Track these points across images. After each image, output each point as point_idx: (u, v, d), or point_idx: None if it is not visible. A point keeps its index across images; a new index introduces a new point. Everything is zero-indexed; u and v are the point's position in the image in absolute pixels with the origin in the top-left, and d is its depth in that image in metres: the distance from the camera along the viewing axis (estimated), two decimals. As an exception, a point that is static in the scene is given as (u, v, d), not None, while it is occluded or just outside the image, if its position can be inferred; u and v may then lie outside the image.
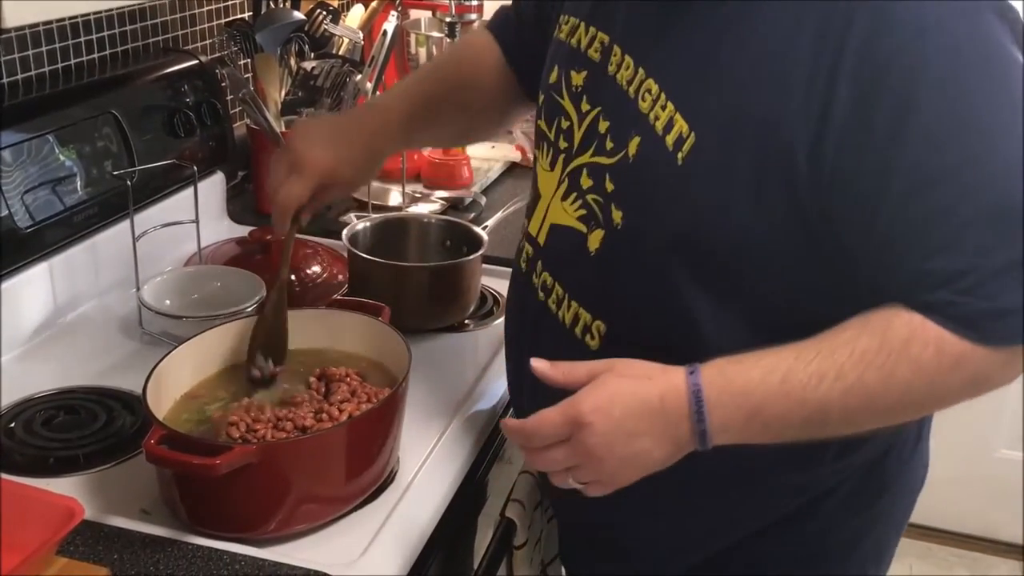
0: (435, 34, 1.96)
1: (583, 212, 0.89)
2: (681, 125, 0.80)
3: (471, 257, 1.28)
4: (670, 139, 0.81)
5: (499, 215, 1.48)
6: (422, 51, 1.98)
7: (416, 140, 1.07)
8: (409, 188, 1.65)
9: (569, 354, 0.88)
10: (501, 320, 1.34)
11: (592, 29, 0.91)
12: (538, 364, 0.78)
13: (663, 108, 0.81)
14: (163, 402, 0.94)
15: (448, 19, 1.78)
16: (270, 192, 1.00)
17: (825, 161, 0.75)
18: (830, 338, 0.75)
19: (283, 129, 1.56)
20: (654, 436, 0.75)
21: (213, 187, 1.52)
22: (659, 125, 0.81)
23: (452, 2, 1.77)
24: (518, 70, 1.12)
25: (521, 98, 1.13)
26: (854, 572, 1.01)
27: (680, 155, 0.80)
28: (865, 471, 0.95)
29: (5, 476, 0.94)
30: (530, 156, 1.91)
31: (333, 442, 0.89)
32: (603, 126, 0.87)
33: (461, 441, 1.07)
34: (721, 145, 0.78)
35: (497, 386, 1.18)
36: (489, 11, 1.88)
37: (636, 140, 0.83)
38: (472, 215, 1.63)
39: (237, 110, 1.66)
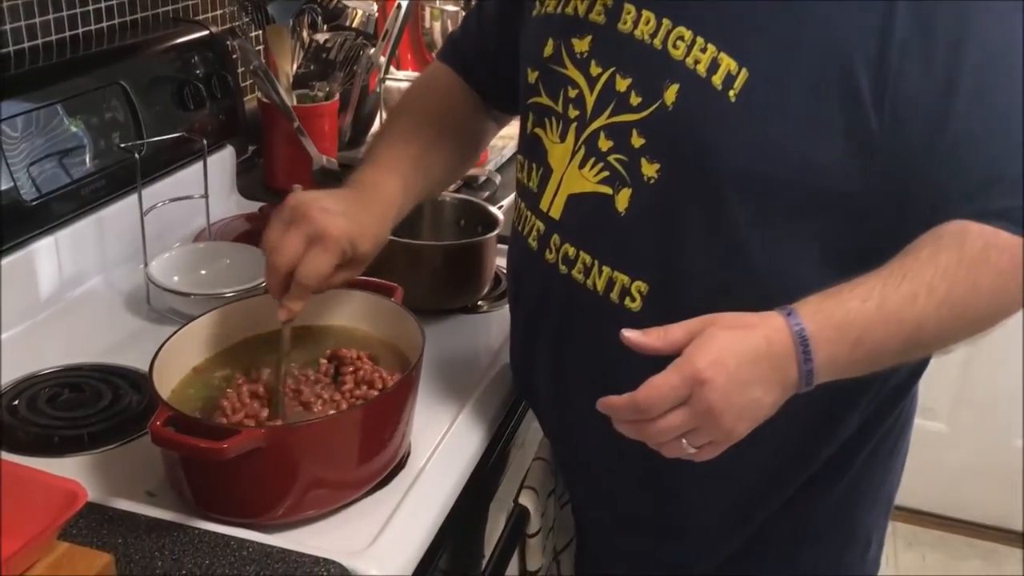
0: (450, 7, 1.92)
1: (606, 174, 0.88)
2: (728, 63, 0.80)
3: (487, 236, 1.25)
4: (717, 79, 0.81)
5: (514, 195, 1.45)
6: (436, 25, 1.94)
7: (414, 202, 1.03)
8: (422, 165, 1.62)
9: (606, 322, 0.88)
10: (515, 301, 1.31)
11: None
12: (630, 334, 0.75)
13: (702, 51, 0.82)
14: (170, 379, 0.91)
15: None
16: (283, 267, 0.87)
17: (888, 76, 0.77)
18: (910, 259, 0.77)
19: (294, 103, 1.53)
20: (765, 383, 0.74)
21: (223, 161, 1.49)
22: (701, 68, 0.82)
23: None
24: (483, 90, 1.11)
25: (492, 117, 1.14)
26: (873, 524, 1.04)
27: (732, 92, 0.80)
28: (887, 414, 0.97)
29: (7, 456, 0.92)
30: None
31: (345, 426, 0.86)
32: (622, 84, 0.87)
33: (474, 425, 1.04)
34: (776, 75, 0.79)
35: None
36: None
37: (675, 87, 0.83)
38: (487, 193, 1.60)
39: (248, 83, 1.63)
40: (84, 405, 1.00)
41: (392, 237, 1.21)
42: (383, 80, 1.65)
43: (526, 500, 1.03)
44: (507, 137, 1.80)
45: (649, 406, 0.73)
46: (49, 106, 1.16)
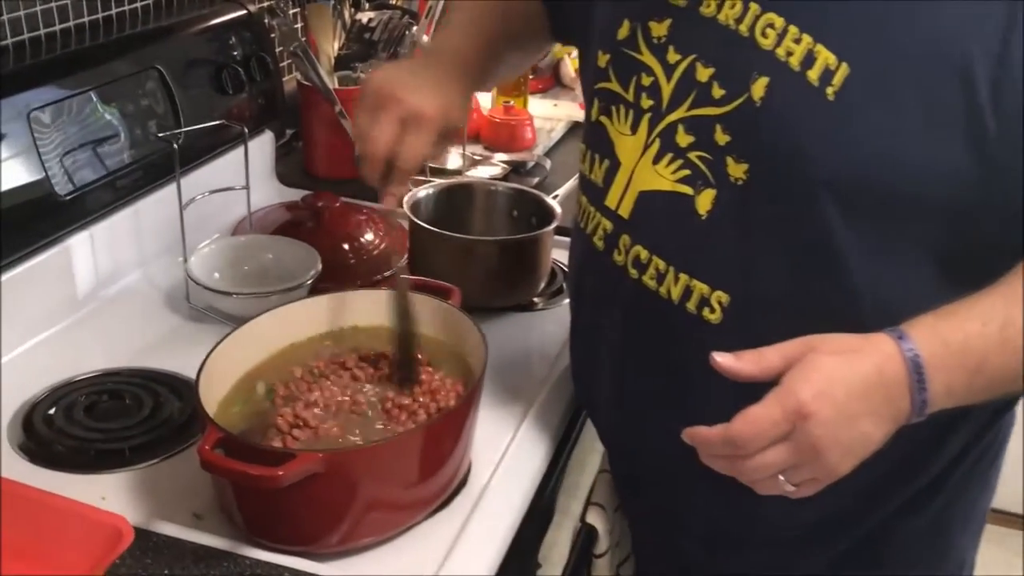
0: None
1: (686, 172, 0.80)
2: (827, 56, 0.72)
3: (544, 230, 1.18)
4: (813, 74, 0.73)
5: (570, 183, 1.37)
6: (480, 1, 1.85)
7: (486, 81, 1.00)
8: (468, 150, 1.54)
9: (680, 332, 0.81)
10: (571, 299, 1.24)
11: None
12: (721, 358, 0.68)
13: (796, 41, 0.73)
14: (216, 393, 0.85)
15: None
16: (380, 155, 0.86)
17: (1009, 75, 0.68)
18: None
19: (336, 85, 1.45)
20: (876, 415, 0.67)
21: (261, 147, 1.42)
22: (794, 61, 0.73)
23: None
24: (551, 8, 1.03)
25: (547, 36, 1.07)
26: (967, 545, 0.97)
27: (830, 89, 0.72)
28: (988, 430, 0.90)
29: (47, 471, 0.87)
30: (594, 116, 1.79)
31: (409, 447, 0.79)
32: (704, 73, 0.79)
33: (538, 435, 0.97)
34: (882, 72, 0.71)
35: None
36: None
37: (763, 81, 0.75)
38: (536, 180, 1.52)
39: (286, 63, 1.56)
40: (124, 415, 0.95)
41: (443, 231, 1.15)
42: (427, 60, 1.57)
43: (594, 518, 0.96)
44: (555, 119, 1.73)
45: (746, 441, 0.66)
46: (82, 93, 1.10)
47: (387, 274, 1.19)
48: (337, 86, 1.45)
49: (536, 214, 1.23)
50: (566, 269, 1.29)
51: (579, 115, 1.76)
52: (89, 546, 0.62)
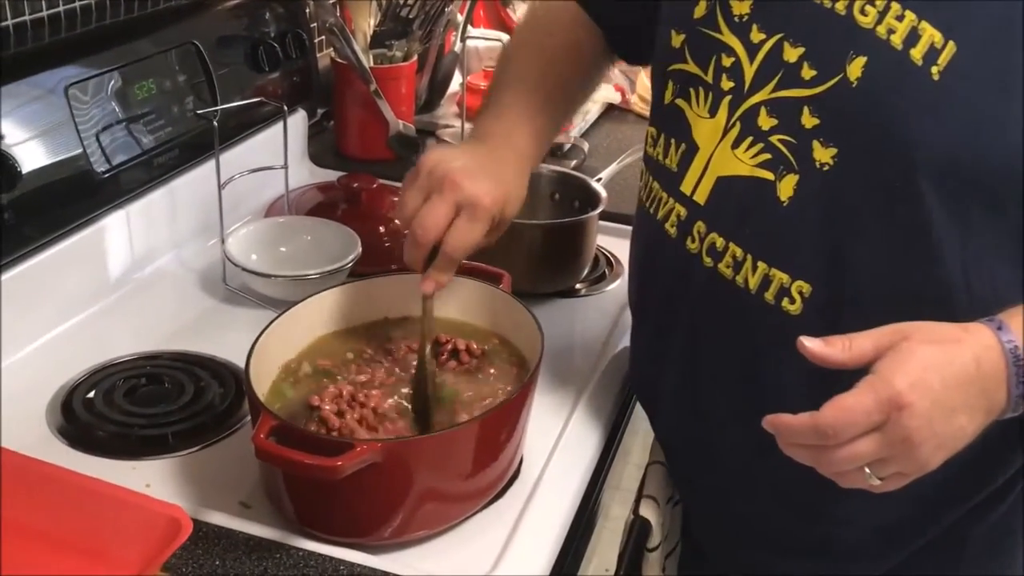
0: (529, -38, 1.79)
1: (767, 157, 0.77)
2: (932, 34, 0.69)
3: (590, 215, 1.14)
4: (916, 52, 0.69)
5: (613, 167, 1.34)
6: (514, -19, 1.82)
7: (541, 155, 0.95)
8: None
9: (756, 323, 0.78)
10: (615, 285, 1.21)
11: None
12: (810, 343, 0.65)
13: (898, 19, 0.70)
14: (265, 379, 0.82)
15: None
16: (429, 238, 0.80)
17: None
18: None
19: (371, 64, 1.42)
20: (971, 408, 0.64)
21: (295, 127, 1.38)
22: (896, 39, 0.70)
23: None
24: (608, 29, 0.99)
25: (609, 57, 1.03)
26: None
27: (935, 69, 0.69)
28: None
29: (87, 456, 0.84)
30: (629, 97, 1.75)
31: (465, 438, 0.77)
32: (792, 54, 0.75)
33: (589, 425, 0.95)
34: (991, 51, 0.68)
35: (620, 361, 1.05)
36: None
37: (860, 60, 0.71)
38: (574, 162, 1.49)
39: (320, 39, 1.52)
40: (165, 399, 0.92)
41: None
42: (463, 39, 1.53)
43: (647, 511, 0.93)
44: (591, 101, 1.69)
45: (837, 431, 0.63)
46: (119, 69, 1.06)
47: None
48: (372, 64, 1.42)
49: (579, 198, 1.20)
50: (609, 254, 1.26)
51: (614, 97, 1.72)
52: (147, 538, 0.60)
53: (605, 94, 1.70)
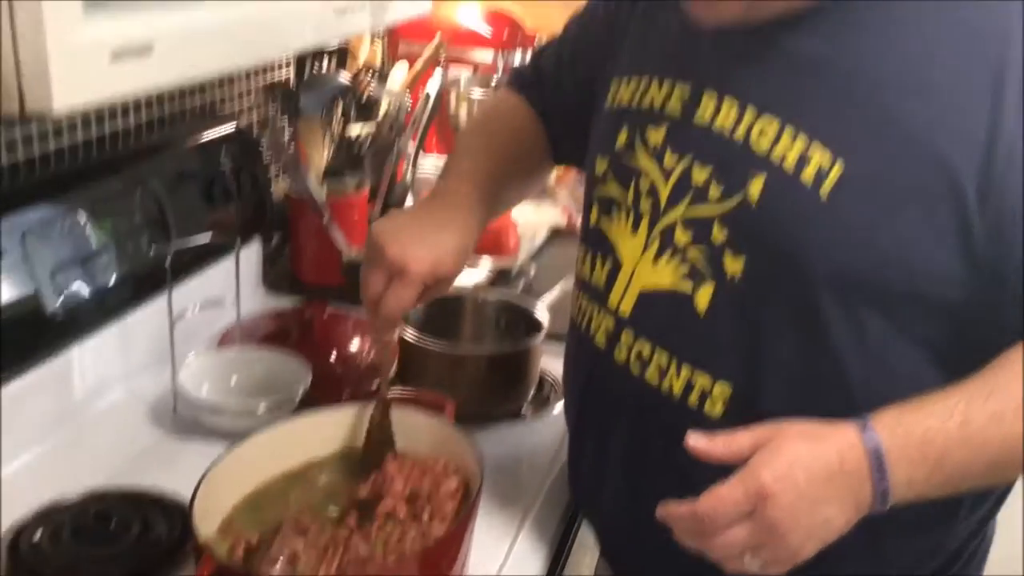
0: (476, 93, 1.89)
1: (685, 269, 0.83)
2: (820, 157, 0.76)
3: (533, 342, 1.19)
4: (807, 174, 0.76)
5: (558, 289, 1.39)
6: (462, 110, 1.91)
7: (488, 220, 1.01)
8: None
9: (683, 429, 0.80)
10: (560, 409, 1.24)
11: (667, 83, 0.87)
12: (695, 440, 0.71)
13: (792, 141, 0.77)
14: (211, 520, 0.83)
15: (494, 82, 1.70)
16: (369, 303, 0.91)
17: (992, 185, 0.72)
18: (995, 375, 0.73)
19: (325, 195, 1.47)
20: (838, 501, 0.69)
21: (249, 257, 1.43)
22: (788, 163, 0.77)
23: (500, 61, 1.70)
24: (552, 132, 1.08)
25: (549, 159, 1.12)
26: None
27: (823, 190, 0.76)
28: (981, 527, 0.91)
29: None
30: (576, 220, 1.82)
31: (407, 570, 0.79)
32: (700, 174, 0.83)
33: (534, 548, 0.98)
34: (875, 174, 0.75)
35: (564, 481, 1.08)
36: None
37: (759, 180, 0.78)
38: (521, 285, 1.54)
39: (274, 175, 1.58)
40: (112, 539, 0.93)
41: (434, 343, 1.16)
42: (414, 167, 1.60)
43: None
44: (538, 224, 1.76)
45: (711, 519, 0.68)
46: (75, 211, 1.10)
47: (375, 387, 1.19)
48: (326, 194, 1.47)
49: (525, 322, 1.25)
50: (553, 379, 1.30)
51: (561, 220, 1.79)
52: None
53: (552, 217, 1.77)
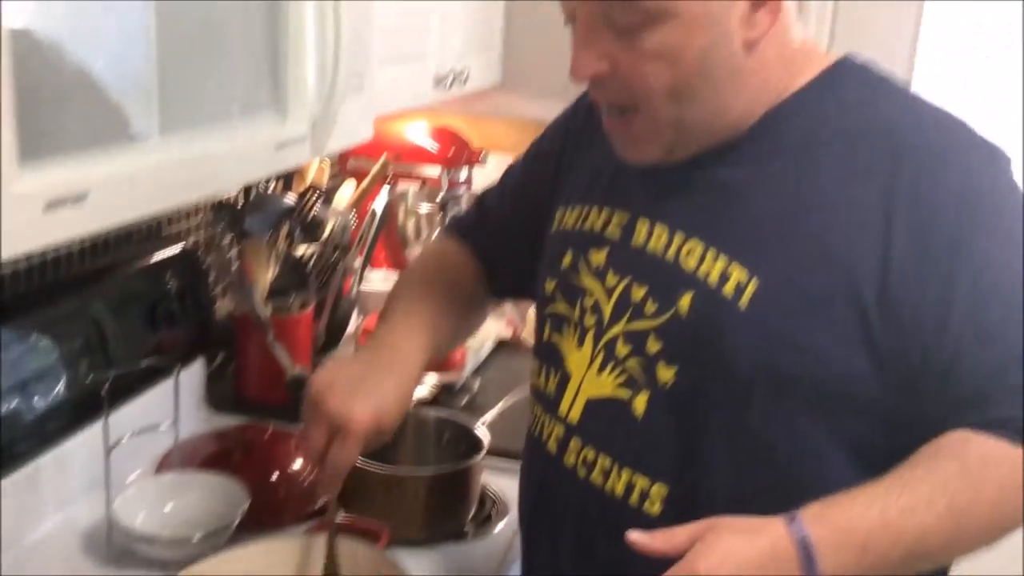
0: (423, 208, 1.93)
1: (623, 379, 0.90)
2: (739, 274, 0.84)
3: (473, 461, 1.20)
4: (728, 289, 0.84)
5: (501, 405, 1.41)
6: (409, 224, 1.95)
7: (428, 359, 1.04)
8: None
9: (625, 528, 0.82)
10: (502, 525, 1.25)
11: (606, 211, 0.95)
12: (636, 536, 0.74)
13: (714, 261, 0.85)
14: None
15: (440, 197, 1.75)
16: (312, 457, 0.92)
17: (890, 290, 0.80)
18: (909, 470, 0.78)
19: (270, 313, 1.49)
20: None
21: (192, 377, 1.43)
22: (712, 280, 0.85)
23: (445, 178, 1.75)
24: (490, 271, 1.14)
25: (490, 296, 1.17)
26: None
27: (742, 302, 0.83)
28: None
29: None
30: (520, 333, 1.85)
31: None
32: (638, 293, 0.90)
33: None
34: (786, 285, 0.82)
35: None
36: (478, 187, 1.87)
37: (687, 297, 0.86)
38: (465, 399, 1.55)
39: (219, 292, 1.60)
40: None
41: (373, 464, 1.16)
42: (359, 284, 1.63)
43: None
44: (483, 338, 1.78)
45: None
46: (13, 338, 1.11)
47: (318, 511, 1.19)
48: (270, 314, 1.49)
49: (466, 440, 1.26)
50: (495, 495, 1.30)
51: (506, 333, 1.82)
52: None
53: (497, 330, 1.80)
